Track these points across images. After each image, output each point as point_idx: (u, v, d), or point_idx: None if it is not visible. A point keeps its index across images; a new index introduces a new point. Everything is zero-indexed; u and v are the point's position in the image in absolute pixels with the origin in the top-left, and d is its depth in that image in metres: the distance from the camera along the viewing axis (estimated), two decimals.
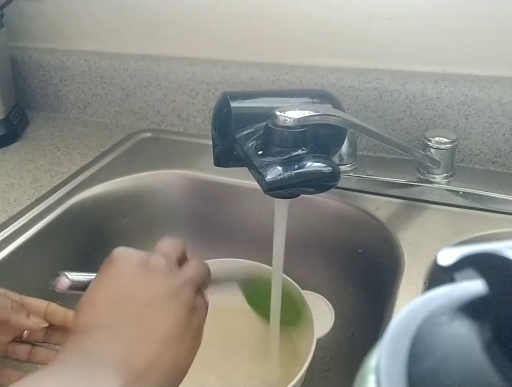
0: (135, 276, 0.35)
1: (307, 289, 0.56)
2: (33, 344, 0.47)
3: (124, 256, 0.36)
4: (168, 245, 0.39)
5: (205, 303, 0.39)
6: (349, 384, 0.22)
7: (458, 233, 0.53)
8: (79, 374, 0.29)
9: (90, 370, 0.29)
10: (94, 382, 0.29)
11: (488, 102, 0.60)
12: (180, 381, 0.33)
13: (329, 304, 0.53)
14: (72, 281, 0.38)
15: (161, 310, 0.33)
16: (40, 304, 0.46)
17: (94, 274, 0.37)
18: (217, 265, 0.60)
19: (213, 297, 0.40)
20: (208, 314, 0.39)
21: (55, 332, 0.48)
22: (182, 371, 0.33)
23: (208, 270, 0.40)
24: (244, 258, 0.60)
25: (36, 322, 0.44)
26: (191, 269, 0.38)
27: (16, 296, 0.45)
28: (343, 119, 0.45)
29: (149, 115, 0.82)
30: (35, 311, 0.46)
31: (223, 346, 0.57)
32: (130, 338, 0.31)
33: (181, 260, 0.39)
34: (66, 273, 0.39)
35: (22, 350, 0.46)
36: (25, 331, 0.46)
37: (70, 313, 0.47)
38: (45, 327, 0.47)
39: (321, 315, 0.51)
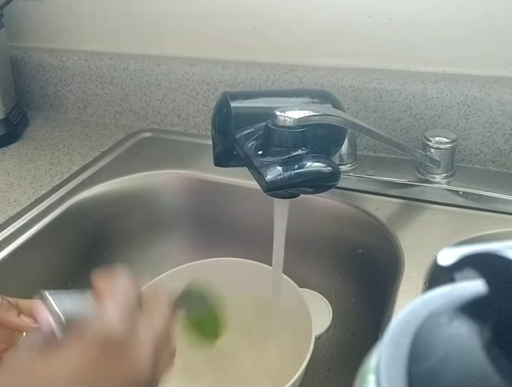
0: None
1: (306, 288, 0.57)
2: None
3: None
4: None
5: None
6: (349, 384, 0.22)
7: (458, 233, 0.53)
8: None
9: None
10: None
11: (488, 102, 0.60)
12: None
13: (327, 301, 0.54)
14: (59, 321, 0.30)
15: None
16: (34, 304, 0.46)
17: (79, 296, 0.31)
18: (216, 264, 0.60)
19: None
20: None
21: None
22: None
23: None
24: (244, 258, 0.60)
25: (26, 322, 0.44)
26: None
27: (9, 299, 0.45)
28: (343, 119, 0.45)
29: (149, 115, 0.82)
30: (29, 312, 0.45)
31: (223, 341, 0.57)
32: None
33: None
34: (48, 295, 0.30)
35: None
36: (21, 338, 0.46)
37: None
38: None
39: (319, 313, 0.51)
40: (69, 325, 0.30)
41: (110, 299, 0.32)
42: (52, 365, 0.29)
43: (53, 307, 0.30)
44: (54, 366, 0.29)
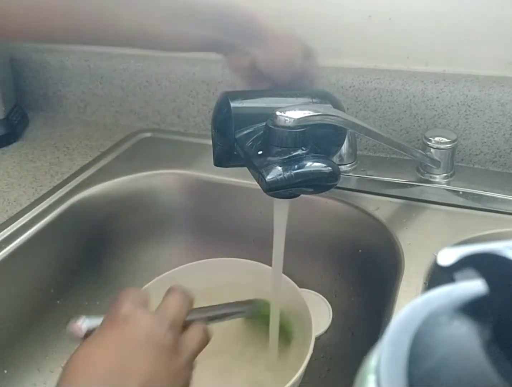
0: (140, 352, 0.34)
1: (306, 288, 0.57)
2: None
3: (133, 321, 0.35)
4: (175, 306, 0.39)
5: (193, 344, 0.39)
6: (349, 384, 0.22)
7: (458, 233, 0.53)
8: None
9: None
10: None
11: (488, 102, 0.60)
12: None
13: (327, 302, 0.54)
14: (89, 329, 0.36)
15: None
16: None
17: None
18: (216, 264, 0.60)
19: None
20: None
21: None
22: None
23: (208, 338, 0.41)
24: (244, 258, 0.60)
25: None
26: (193, 339, 0.39)
27: None
28: (343, 119, 0.45)
29: (149, 115, 0.82)
30: None
31: (222, 341, 0.57)
32: None
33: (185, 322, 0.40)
34: (82, 319, 0.37)
35: None
36: None
37: None
38: None
39: (319, 313, 0.51)
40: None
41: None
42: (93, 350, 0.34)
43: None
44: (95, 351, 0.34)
